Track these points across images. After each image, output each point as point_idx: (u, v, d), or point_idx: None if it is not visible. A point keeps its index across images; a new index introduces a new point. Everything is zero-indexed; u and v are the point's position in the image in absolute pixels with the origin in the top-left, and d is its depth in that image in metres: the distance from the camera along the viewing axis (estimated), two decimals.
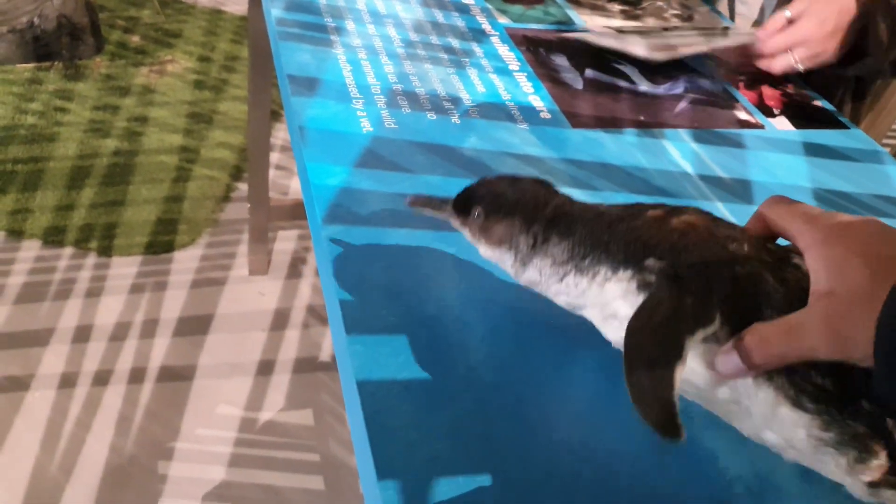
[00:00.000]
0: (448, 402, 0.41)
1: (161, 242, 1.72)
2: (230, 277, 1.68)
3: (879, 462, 0.32)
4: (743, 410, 0.36)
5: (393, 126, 0.62)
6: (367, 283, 0.47)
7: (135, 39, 2.39)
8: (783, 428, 0.35)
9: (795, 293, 0.34)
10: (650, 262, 0.36)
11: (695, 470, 0.40)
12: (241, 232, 1.76)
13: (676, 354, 0.33)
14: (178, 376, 1.45)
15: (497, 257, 0.43)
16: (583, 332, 0.42)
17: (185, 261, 1.70)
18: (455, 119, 0.65)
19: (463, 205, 0.43)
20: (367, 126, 0.62)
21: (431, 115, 0.65)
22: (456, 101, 0.68)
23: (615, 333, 0.39)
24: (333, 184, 0.55)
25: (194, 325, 1.55)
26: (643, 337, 0.34)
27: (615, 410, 0.43)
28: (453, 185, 0.56)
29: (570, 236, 0.40)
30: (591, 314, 0.41)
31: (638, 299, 0.36)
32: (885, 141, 1.61)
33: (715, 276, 0.35)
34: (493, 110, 0.68)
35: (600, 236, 0.39)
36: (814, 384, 0.33)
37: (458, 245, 0.52)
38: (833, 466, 0.34)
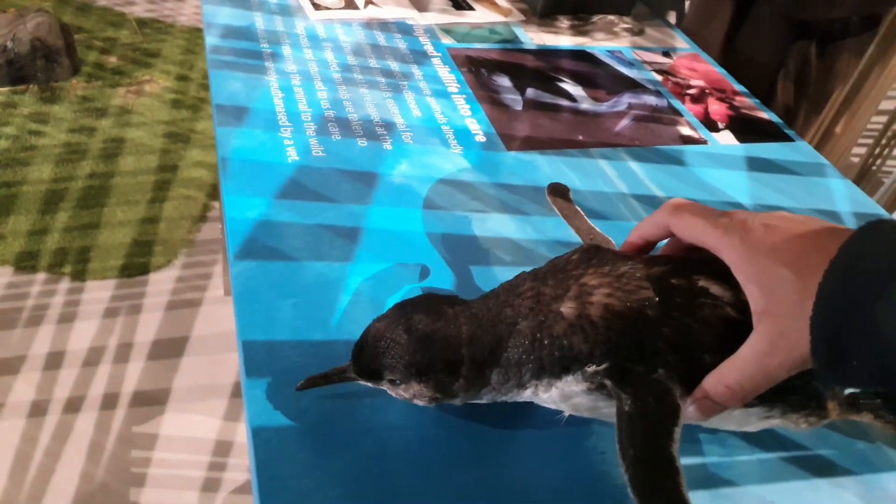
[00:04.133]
0: (346, 448, 0.40)
1: (136, 265, 1.71)
2: (205, 298, 1.67)
3: (807, 415, 0.40)
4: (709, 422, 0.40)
5: (321, 154, 0.61)
6: (276, 322, 0.46)
7: (112, 60, 2.39)
8: (740, 422, 0.40)
9: (719, 327, 0.38)
10: (591, 368, 0.38)
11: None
12: (216, 252, 1.75)
13: (675, 472, 0.35)
14: (151, 400, 1.43)
15: (436, 403, 0.41)
16: None
17: (161, 283, 1.69)
18: (387, 145, 0.64)
19: (369, 374, 0.40)
20: (293, 155, 0.61)
21: (362, 142, 0.64)
22: (389, 126, 0.67)
23: (571, 409, 0.41)
24: (251, 217, 0.54)
25: (169, 348, 1.53)
26: (640, 472, 0.35)
27: (522, 452, 0.42)
28: (377, 215, 0.56)
29: (498, 365, 0.39)
30: (543, 397, 0.40)
31: (591, 396, 0.38)
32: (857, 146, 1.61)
33: (654, 354, 0.37)
34: (427, 135, 0.67)
35: (528, 354, 0.39)
36: None
37: (376, 278, 0.51)
38: (777, 424, 0.41)
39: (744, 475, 0.42)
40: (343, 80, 0.72)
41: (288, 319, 0.46)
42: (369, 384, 0.41)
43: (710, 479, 0.42)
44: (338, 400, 0.42)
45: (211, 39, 0.74)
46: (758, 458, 0.44)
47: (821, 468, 0.44)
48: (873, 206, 0.68)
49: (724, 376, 0.36)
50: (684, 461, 0.42)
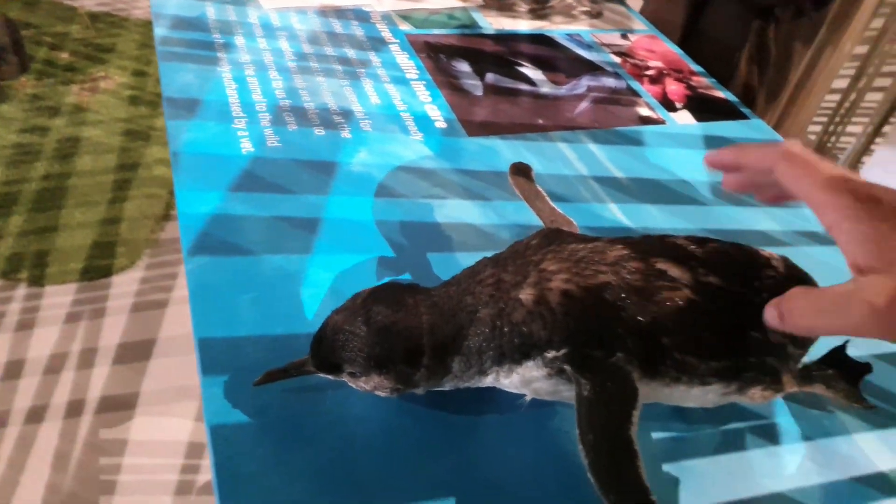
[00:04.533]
0: (310, 442, 0.39)
1: (98, 267, 1.67)
2: (172, 299, 1.64)
3: (763, 389, 0.41)
4: (665, 398, 0.41)
5: (276, 145, 0.60)
6: (233, 317, 0.45)
7: (64, 56, 2.33)
8: (700, 399, 0.41)
9: (678, 309, 0.38)
10: (550, 353, 0.37)
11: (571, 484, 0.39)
12: (182, 251, 1.71)
13: (633, 455, 0.35)
14: (119, 406, 1.40)
15: (398, 394, 0.41)
16: None
17: (124, 284, 1.66)
18: (345, 134, 0.63)
19: (328, 367, 0.39)
20: (247, 147, 0.59)
21: (320, 131, 0.63)
22: (347, 114, 0.66)
23: (533, 393, 0.40)
24: (205, 211, 0.52)
25: (136, 351, 1.51)
26: (599, 457, 0.35)
27: (487, 436, 0.41)
28: (336, 205, 0.55)
29: (459, 353, 0.39)
30: (504, 383, 0.40)
31: (552, 381, 0.38)
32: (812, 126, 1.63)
33: (612, 339, 0.37)
34: (387, 122, 0.66)
35: (488, 342, 0.38)
36: (713, 369, 0.39)
37: (336, 269, 0.50)
38: (736, 399, 0.41)
39: (706, 447, 0.43)
40: (299, 69, 0.71)
41: (246, 315, 0.45)
42: (329, 377, 0.40)
43: (675, 453, 0.42)
44: (299, 394, 0.41)
45: (160, 31, 0.72)
46: (719, 429, 0.44)
47: (779, 436, 0.44)
48: None
49: (797, 298, 0.34)
50: (648, 436, 0.42)
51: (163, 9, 0.75)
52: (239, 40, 0.74)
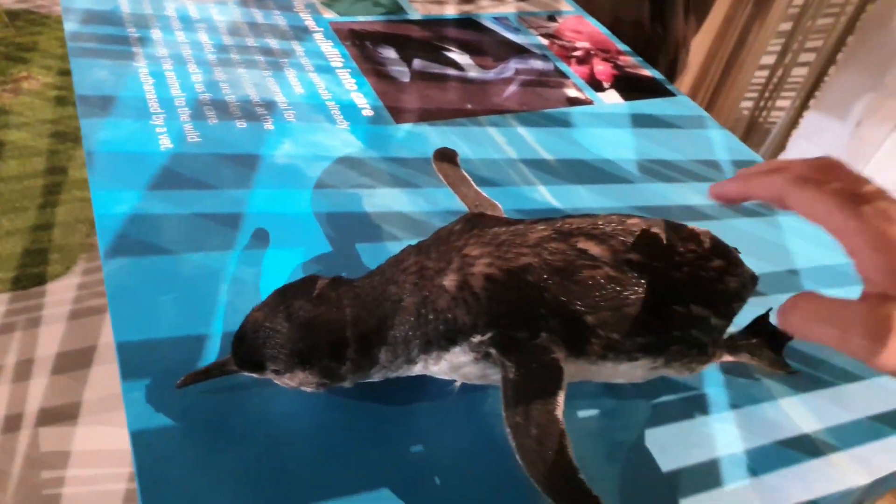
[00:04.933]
0: (237, 442, 0.38)
1: (31, 275, 1.61)
2: None
3: (690, 361, 0.42)
4: (593, 375, 0.41)
5: (196, 140, 0.59)
6: (154, 319, 0.44)
7: None
8: (628, 375, 0.41)
9: (599, 286, 0.38)
10: (476, 338, 0.37)
11: (509, 476, 0.39)
12: None
13: (560, 434, 0.35)
14: (60, 417, 1.36)
15: (325, 388, 0.40)
16: None
17: (60, 292, 1.60)
18: (268, 125, 0.62)
19: (250, 366, 0.38)
20: (166, 143, 0.57)
21: (241, 124, 0.62)
22: (270, 105, 0.65)
23: (462, 379, 0.40)
24: (122, 211, 0.51)
25: (76, 360, 1.46)
26: (525, 439, 0.35)
27: (420, 424, 0.41)
28: (260, 199, 0.53)
29: (385, 343, 0.38)
30: (433, 370, 0.40)
31: (479, 365, 0.38)
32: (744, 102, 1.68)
33: (536, 320, 0.37)
34: (311, 112, 0.65)
35: (414, 330, 0.38)
36: (639, 345, 0.39)
37: (262, 265, 0.49)
38: (664, 373, 0.42)
39: (637, 422, 0.43)
40: (219, 61, 0.69)
41: (167, 316, 0.44)
42: (254, 375, 0.39)
43: (605, 430, 0.43)
44: (223, 394, 0.40)
45: (70, 26, 0.69)
46: (650, 403, 0.45)
47: (708, 406, 0.45)
48: (750, 154, 0.70)
49: (805, 305, 0.32)
50: (580, 413, 0.43)
51: (72, 3, 0.72)
52: (155, 34, 0.71)
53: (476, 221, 0.42)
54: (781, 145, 1.53)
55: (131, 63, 0.66)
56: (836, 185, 0.33)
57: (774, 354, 0.47)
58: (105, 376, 1.42)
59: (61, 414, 1.35)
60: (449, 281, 0.38)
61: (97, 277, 1.63)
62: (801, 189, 0.34)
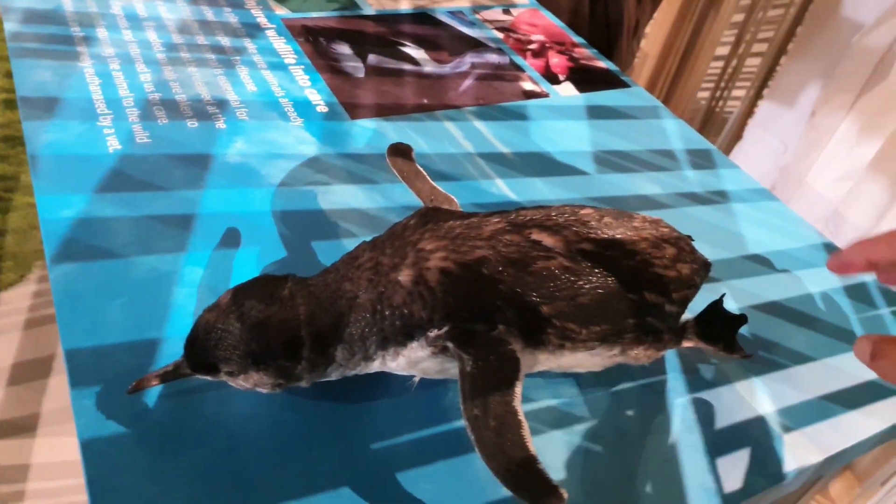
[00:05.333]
0: (192, 446, 0.38)
1: None
2: None
3: (646, 348, 0.43)
4: (552, 365, 0.41)
5: (146, 141, 0.57)
6: (103, 325, 0.43)
7: None
8: (586, 364, 0.42)
9: (554, 277, 0.38)
10: (433, 332, 0.37)
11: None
12: None
13: (518, 425, 0.35)
14: (18, 429, 1.32)
15: (281, 389, 0.39)
16: None
17: (15, 300, 1.56)
18: (220, 124, 0.61)
19: (204, 369, 0.38)
20: (114, 145, 0.56)
21: (192, 123, 0.60)
22: (222, 104, 0.63)
23: (421, 374, 0.40)
24: (68, 216, 0.49)
25: (33, 370, 1.42)
26: (484, 431, 0.34)
27: (379, 421, 0.41)
28: (212, 199, 0.53)
29: (341, 341, 0.38)
30: (392, 366, 0.39)
31: (437, 359, 0.38)
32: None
33: (492, 312, 0.37)
34: (264, 109, 0.64)
35: (370, 327, 0.38)
36: (595, 333, 0.40)
37: (215, 266, 0.48)
38: (621, 361, 0.43)
39: (596, 410, 0.44)
40: (168, 60, 0.68)
41: (117, 321, 0.43)
42: (207, 378, 0.38)
43: (565, 419, 0.43)
44: (177, 398, 0.40)
45: (10, 25, 0.67)
46: (609, 391, 0.45)
47: (665, 392, 0.46)
48: (704, 143, 0.71)
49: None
50: (539, 404, 0.43)
51: (13, 2, 0.70)
52: (101, 32, 0.69)
53: (431, 216, 0.42)
54: (738, 135, 1.56)
55: (76, 63, 0.64)
56: None
57: (729, 339, 0.48)
58: (63, 386, 1.38)
59: (19, 426, 1.31)
60: (404, 276, 0.38)
61: None
62: None
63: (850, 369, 0.50)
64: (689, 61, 1.69)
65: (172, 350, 0.42)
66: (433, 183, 0.50)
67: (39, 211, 0.49)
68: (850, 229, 1.03)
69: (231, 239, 0.50)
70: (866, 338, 0.34)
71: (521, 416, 0.35)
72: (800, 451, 0.44)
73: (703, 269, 0.44)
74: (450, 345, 0.37)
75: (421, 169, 0.51)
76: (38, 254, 1.64)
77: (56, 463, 1.25)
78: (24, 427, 1.31)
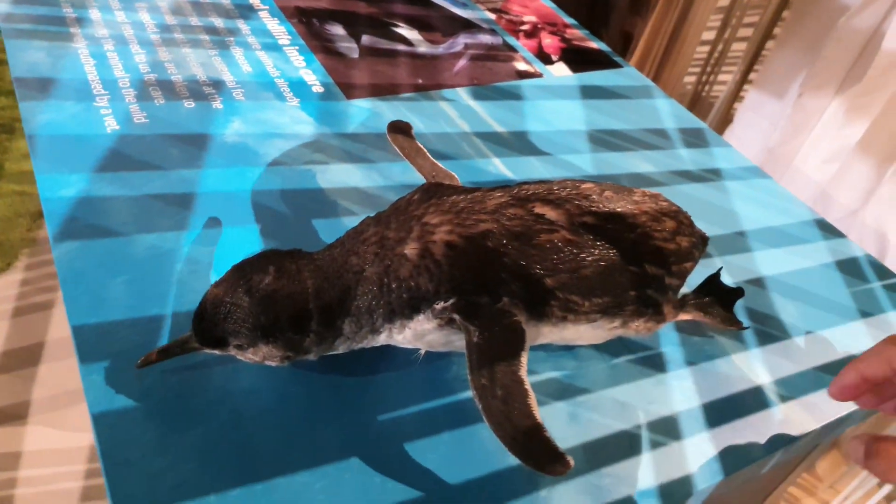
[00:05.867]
0: (199, 420, 0.38)
1: None
2: (58, 299, 1.54)
3: (646, 321, 0.43)
4: (554, 337, 0.42)
5: (143, 121, 0.57)
6: (107, 302, 0.43)
7: None
8: (587, 336, 0.43)
9: (557, 250, 0.39)
10: (439, 305, 0.37)
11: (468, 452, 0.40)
12: None
13: (525, 394, 0.35)
14: (8, 417, 1.32)
15: (289, 361, 0.39)
16: None
17: (3, 289, 1.55)
18: (217, 104, 0.61)
19: (212, 342, 0.38)
20: (112, 125, 0.56)
21: (189, 104, 0.60)
22: (218, 84, 0.63)
23: (427, 346, 0.41)
24: (69, 195, 0.49)
25: (22, 358, 1.41)
26: (492, 400, 0.35)
27: (385, 394, 0.41)
28: (211, 178, 0.53)
29: (348, 314, 0.38)
30: (398, 339, 0.40)
31: (443, 332, 0.38)
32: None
33: (497, 285, 0.38)
34: (260, 90, 0.64)
35: (377, 300, 0.38)
36: (597, 305, 0.40)
37: (215, 244, 0.48)
38: (622, 333, 0.44)
39: (597, 381, 0.45)
40: (163, 41, 0.67)
41: (120, 298, 0.43)
42: (216, 352, 0.39)
43: (567, 390, 0.44)
44: (185, 372, 0.40)
45: (2, 7, 0.67)
46: (609, 364, 0.46)
47: (665, 364, 0.47)
48: (696, 122, 0.72)
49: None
50: (542, 376, 0.44)
51: None
52: (94, 14, 0.69)
53: (434, 191, 0.43)
54: (725, 118, 1.57)
55: (69, 44, 0.64)
56: None
57: (726, 312, 0.49)
58: (53, 373, 1.37)
59: (9, 414, 1.31)
60: (410, 249, 0.38)
61: (41, 273, 1.58)
62: None
63: (843, 340, 0.51)
64: (675, 46, 1.69)
65: (177, 326, 0.42)
66: (433, 159, 0.50)
67: (40, 190, 0.49)
68: (837, 210, 1.05)
69: (230, 217, 0.50)
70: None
71: (528, 386, 0.36)
72: (796, 420, 0.45)
73: (701, 243, 0.45)
74: (456, 317, 0.37)
75: (421, 146, 0.52)
76: (24, 242, 1.63)
77: (47, 450, 1.25)
78: (14, 415, 1.30)
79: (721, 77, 1.72)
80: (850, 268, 0.58)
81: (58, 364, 1.40)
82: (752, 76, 1.56)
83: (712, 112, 1.65)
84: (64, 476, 1.23)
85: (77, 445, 1.27)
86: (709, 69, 1.73)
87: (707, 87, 1.74)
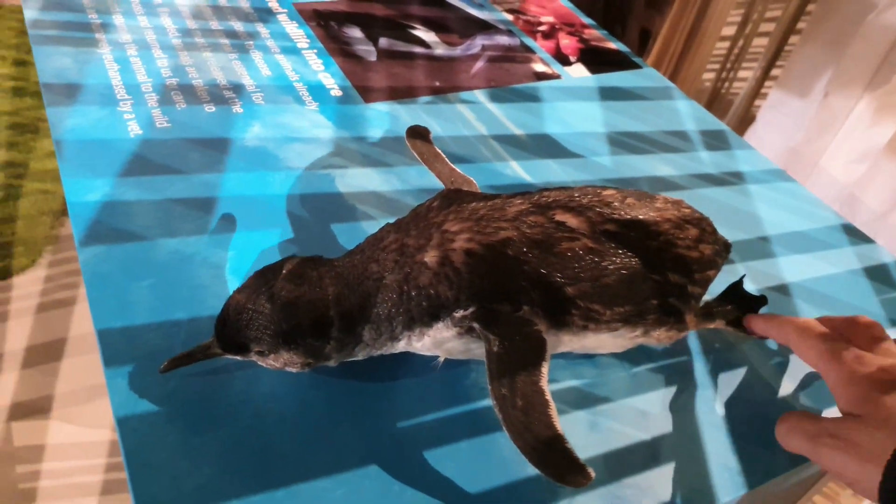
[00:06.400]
0: (221, 424, 0.39)
1: None
2: (80, 295, 1.57)
3: (668, 329, 0.43)
4: (574, 346, 0.42)
5: (166, 125, 0.58)
6: (132, 305, 0.43)
7: None
8: (608, 345, 0.43)
9: (578, 258, 0.39)
10: (458, 313, 0.37)
11: (487, 454, 0.40)
12: None
13: (545, 405, 0.35)
14: (32, 411, 1.34)
15: (310, 368, 0.40)
16: None
17: (27, 285, 1.57)
18: (237, 108, 0.61)
19: (234, 348, 0.38)
20: (135, 129, 0.57)
21: (210, 108, 0.61)
22: (238, 88, 0.64)
23: (446, 354, 0.41)
24: (94, 199, 0.50)
25: (46, 353, 1.43)
26: (512, 410, 0.35)
27: (403, 401, 0.42)
28: (232, 182, 0.53)
29: (368, 321, 0.39)
30: (417, 346, 0.40)
31: (462, 340, 0.39)
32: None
33: (517, 293, 0.38)
34: (279, 93, 0.64)
35: (397, 307, 0.38)
36: (618, 314, 0.40)
37: (236, 248, 0.48)
38: (643, 342, 0.44)
39: (618, 390, 0.44)
40: (184, 45, 0.68)
41: (145, 302, 0.44)
42: (237, 358, 0.39)
43: (587, 399, 0.44)
44: (208, 377, 0.40)
45: (30, 13, 0.68)
46: (629, 372, 0.46)
47: (687, 373, 0.46)
48: (717, 123, 0.71)
49: (793, 423, 0.40)
50: (562, 384, 0.44)
51: None
52: (118, 19, 0.70)
53: (453, 197, 0.43)
54: (744, 116, 1.56)
55: (95, 50, 0.65)
56: (827, 336, 0.41)
57: None
58: (75, 369, 1.40)
59: (33, 408, 1.33)
60: (430, 257, 0.38)
61: (64, 269, 1.60)
62: (801, 338, 0.42)
63: None
64: (694, 41, 1.68)
65: (201, 330, 0.43)
66: (452, 165, 0.51)
67: (66, 194, 0.50)
68: (865, 213, 1.03)
69: (251, 221, 0.51)
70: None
71: (548, 396, 0.36)
72: None
73: (724, 250, 0.45)
74: (475, 325, 0.38)
75: (440, 151, 0.52)
76: (47, 239, 1.65)
77: (69, 444, 1.27)
78: (38, 409, 1.32)
79: (741, 74, 1.70)
80: (879, 274, 0.57)
81: (80, 359, 1.43)
82: (774, 73, 1.55)
83: (731, 110, 1.63)
84: (85, 469, 1.25)
85: (98, 440, 1.29)
86: (728, 65, 1.71)
87: (727, 85, 1.72)
